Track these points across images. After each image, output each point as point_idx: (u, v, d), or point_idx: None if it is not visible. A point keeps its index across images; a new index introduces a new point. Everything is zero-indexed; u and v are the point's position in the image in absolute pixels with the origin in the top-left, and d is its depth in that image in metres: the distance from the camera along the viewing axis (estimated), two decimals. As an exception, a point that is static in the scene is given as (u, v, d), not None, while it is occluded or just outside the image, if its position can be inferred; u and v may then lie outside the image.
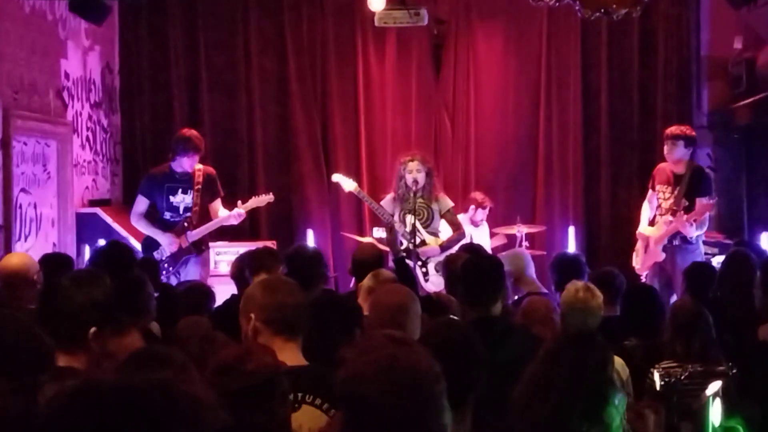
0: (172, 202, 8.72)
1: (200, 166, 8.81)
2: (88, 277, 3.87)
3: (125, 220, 10.00)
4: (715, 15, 10.86)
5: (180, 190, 8.72)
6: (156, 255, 8.57)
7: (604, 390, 3.22)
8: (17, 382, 3.02)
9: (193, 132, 8.88)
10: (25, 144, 8.99)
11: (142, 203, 8.79)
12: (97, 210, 9.98)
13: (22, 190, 8.93)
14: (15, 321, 3.26)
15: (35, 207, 9.17)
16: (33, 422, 2.46)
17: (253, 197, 9.08)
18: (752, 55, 10.14)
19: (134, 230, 9.70)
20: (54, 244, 9.45)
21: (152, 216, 8.78)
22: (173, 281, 8.22)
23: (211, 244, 9.26)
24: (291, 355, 3.64)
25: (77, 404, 1.74)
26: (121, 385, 1.77)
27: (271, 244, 9.88)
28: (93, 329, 3.50)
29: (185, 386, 1.78)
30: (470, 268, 5.32)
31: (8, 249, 8.35)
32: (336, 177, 9.29)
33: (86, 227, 9.81)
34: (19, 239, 8.79)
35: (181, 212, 8.73)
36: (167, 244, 8.63)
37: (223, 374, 3.02)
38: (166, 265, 8.56)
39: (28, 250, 8.51)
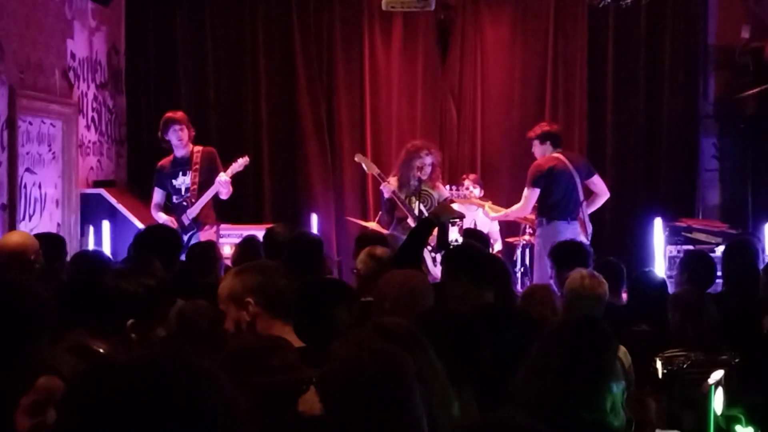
0: (175, 185, 8.93)
1: (199, 148, 8.98)
2: (135, 268, 3.92)
3: (129, 201, 10.03)
4: (723, 4, 10.85)
5: (180, 173, 8.92)
6: None
7: (602, 375, 3.22)
8: (19, 346, 3.05)
9: (177, 112, 9.10)
10: (31, 124, 8.99)
11: (157, 194, 9.04)
12: (102, 191, 9.99)
13: (27, 169, 8.93)
14: (19, 287, 3.28)
15: (40, 187, 9.18)
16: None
17: (233, 163, 9.06)
18: (759, 44, 10.12)
19: (137, 212, 9.74)
20: (58, 225, 9.46)
21: (166, 204, 9.02)
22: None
23: (219, 223, 9.30)
24: (292, 338, 3.66)
25: (97, 381, 1.75)
26: (142, 361, 1.78)
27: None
28: (131, 321, 3.53)
29: (207, 364, 1.79)
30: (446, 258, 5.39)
31: (12, 228, 8.36)
32: (359, 158, 9.46)
33: (90, 208, 9.83)
34: (24, 219, 8.80)
35: (183, 193, 8.93)
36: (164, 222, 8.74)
37: (246, 362, 2.99)
38: None
39: (32, 230, 8.51)
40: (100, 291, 3.69)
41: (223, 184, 8.83)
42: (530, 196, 8.92)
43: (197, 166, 8.88)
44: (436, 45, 11.25)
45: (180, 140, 8.86)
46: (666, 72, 10.99)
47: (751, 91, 10.08)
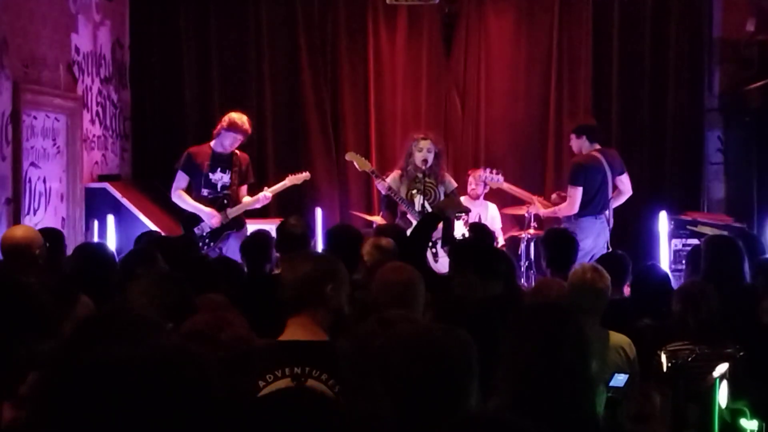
0: (211, 179, 8.81)
1: (237, 151, 8.92)
2: (168, 276, 3.96)
3: (134, 196, 10.03)
4: (728, -3, 10.83)
5: (219, 169, 8.82)
6: (197, 231, 8.74)
7: (552, 351, 3.20)
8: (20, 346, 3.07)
9: (245, 116, 8.95)
10: (35, 118, 9.00)
11: (182, 180, 8.87)
12: (106, 185, 9.99)
13: (32, 164, 8.94)
14: (21, 287, 3.29)
15: (44, 181, 9.18)
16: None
17: (289, 176, 9.20)
18: (765, 37, 10.10)
19: (142, 206, 9.73)
20: (63, 219, 9.47)
21: (188, 193, 8.88)
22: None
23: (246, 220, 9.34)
24: (298, 330, 3.67)
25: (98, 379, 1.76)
26: (150, 354, 1.79)
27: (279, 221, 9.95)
28: (171, 325, 3.55)
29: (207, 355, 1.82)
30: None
31: (17, 222, 8.37)
32: (350, 155, 9.29)
33: (95, 202, 9.83)
34: (28, 213, 8.81)
35: (218, 189, 8.83)
36: (209, 218, 8.73)
37: (194, 341, 3.02)
38: (207, 240, 8.71)
39: (37, 225, 8.52)
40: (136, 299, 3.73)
41: (263, 200, 8.96)
42: (575, 194, 8.96)
43: (237, 168, 8.86)
44: (440, 38, 11.23)
45: (231, 147, 8.80)
46: (671, 65, 10.97)
47: (757, 84, 10.06)
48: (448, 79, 11.23)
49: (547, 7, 11.10)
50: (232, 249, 8.60)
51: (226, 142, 8.77)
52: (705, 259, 6.51)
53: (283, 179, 9.34)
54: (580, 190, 8.92)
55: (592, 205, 8.98)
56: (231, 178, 8.83)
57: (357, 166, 9.18)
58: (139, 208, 9.78)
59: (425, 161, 8.64)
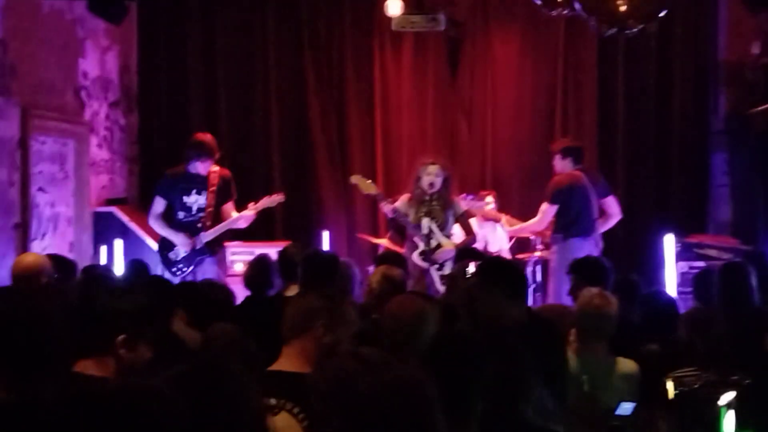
0: (185, 203, 8.56)
1: (216, 168, 8.64)
2: (122, 287, 3.96)
3: (142, 219, 10.05)
4: (733, 20, 10.83)
5: (194, 191, 8.56)
6: (171, 255, 8.55)
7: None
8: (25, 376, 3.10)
9: (207, 136, 8.69)
10: (43, 143, 9.05)
11: (159, 204, 8.62)
12: (114, 209, 10.04)
13: (40, 189, 8.99)
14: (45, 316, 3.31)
15: (52, 206, 9.23)
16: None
17: (264, 197, 8.95)
18: (770, 60, 10.13)
19: (151, 230, 9.75)
20: (71, 243, 9.51)
21: (167, 216, 8.63)
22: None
23: (226, 244, 9.15)
24: (286, 361, 3.85)
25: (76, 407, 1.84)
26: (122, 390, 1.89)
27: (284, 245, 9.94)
28: (122, 336, 3.54)
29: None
30: None
31: (25, 247, 8.42)
32: (354, 179, 9.22)
33: (103, 226, 9.87)
34: (36, 238, 8.85)
35: (194, 212, 8.56)
36: (181, 244, 8.51)
37: None
38: (180, 265, 8.54)
39: (45, 249, 8.57)
40: (91, 309, 3.71)
41: (245, 219, 8.63)
42: (548, 211, 8.89)
43: (213, 188, 8.55)
44: (446, 62, 11.27)
45: (205, 170, 8.52)
46: (676, 88, 10.99)
47: (762, 107, 10.07)
48: (454, 102, 11.26)
49: (552, 32, 11.12)
50: (208, 273, 8.43)
51: (198, 168, 8.51)
52: (718, 286, 6.50)
53: (289, 202, 9.33)
54: (554, 208, 8.86)
55: (577, 225, 8.87)
56: (207, 199, 8.54)
57: (362, 190, 9.13)
58: (147, 232, 9.79)
59: (432, 185, 8.65)
